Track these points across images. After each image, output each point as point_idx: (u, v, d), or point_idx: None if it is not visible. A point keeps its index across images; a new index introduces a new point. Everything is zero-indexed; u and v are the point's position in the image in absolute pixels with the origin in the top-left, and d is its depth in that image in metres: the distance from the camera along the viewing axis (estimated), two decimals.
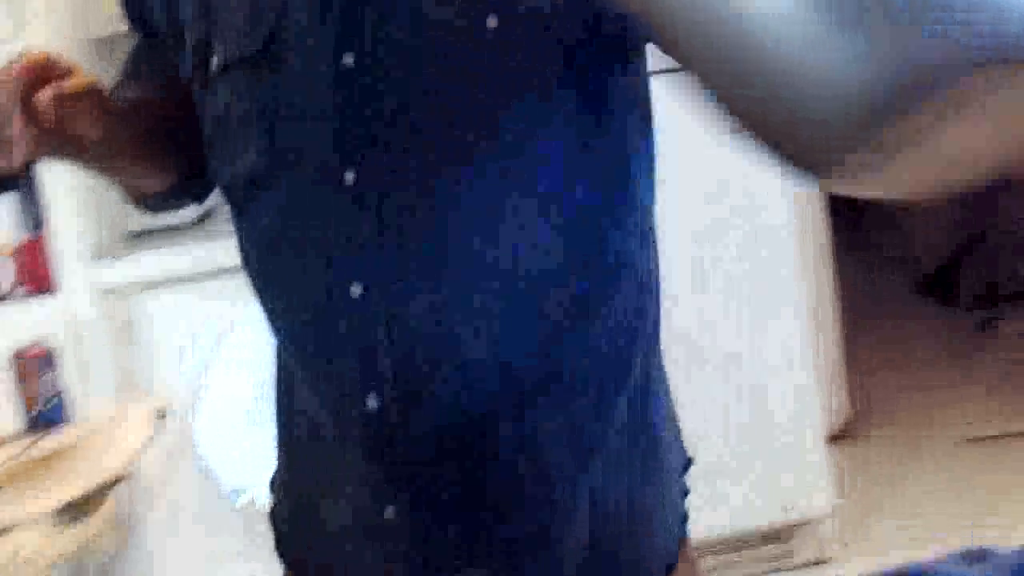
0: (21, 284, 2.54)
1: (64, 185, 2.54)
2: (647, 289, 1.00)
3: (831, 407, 2.64)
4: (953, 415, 2.86)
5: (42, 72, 0.92)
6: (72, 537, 1.36)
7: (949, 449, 2.73)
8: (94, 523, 1.39)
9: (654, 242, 1.02)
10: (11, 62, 0.92)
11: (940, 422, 2.84)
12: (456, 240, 0.93)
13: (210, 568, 1.85)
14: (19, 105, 0.91)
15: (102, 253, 2.45)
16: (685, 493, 1.06)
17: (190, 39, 1.00)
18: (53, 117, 0.91)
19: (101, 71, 1.09)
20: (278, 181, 0.98)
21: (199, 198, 1.14)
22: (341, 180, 0.93)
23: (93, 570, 1.35)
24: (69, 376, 1.74)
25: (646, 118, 0.99)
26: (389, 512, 0.97)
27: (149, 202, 1.13)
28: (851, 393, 2.80)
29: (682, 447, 1.06)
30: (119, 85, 1.11)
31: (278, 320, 1.03)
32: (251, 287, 1.05)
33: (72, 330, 1.84)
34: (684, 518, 1.06)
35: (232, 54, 0.97)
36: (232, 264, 2.45)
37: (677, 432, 1.06)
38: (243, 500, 2.30)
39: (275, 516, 1.11)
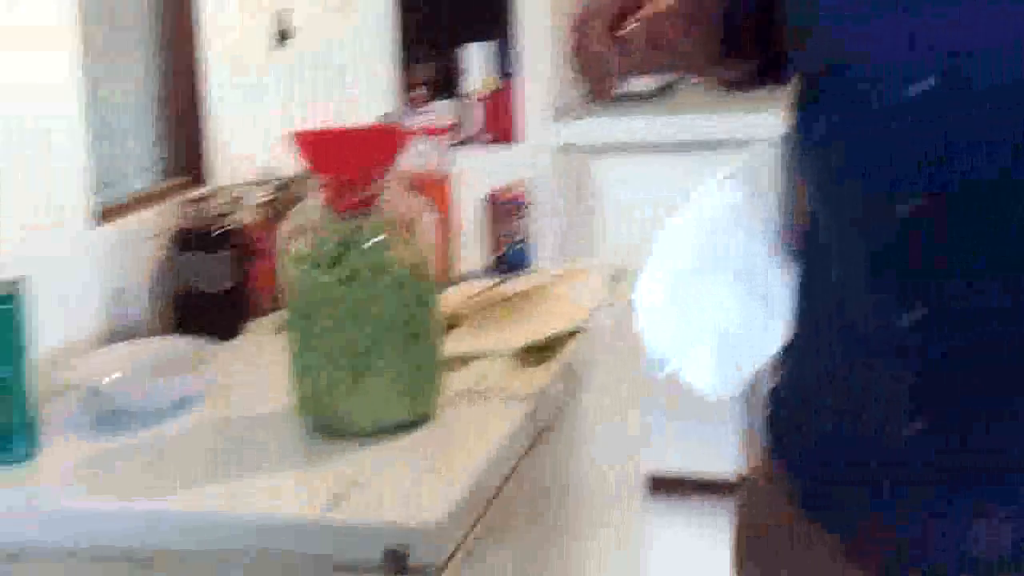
0: (487, 131, 2.66)
1: (537, 43, 2.61)
2: None
3: None
4: None
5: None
6: (530, 378, 1.40)
7: None
8: (550, 369, 1.43)
9: None
10: None
11: None
12: None
13: (644, 437, 1.88)
14: (609, 36, 0.99)
15: (564, 112, 2.51)
16: None
17: None
18: (642, 45, 0.98)
19: None
20: (839, 83, 0.93)
21: (783, 81, 1.11)
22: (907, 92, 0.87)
23: (543, 414, 1.40)
24: (532, 224, 1.79)
25: None
26: (914, 426, 0.93)
27: (733, 87, 1.15)
28: None
29: None
30: None
31: (827, 216, 1.00)
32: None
33: (534, 182, 1.89)
34: None
35: None
36: (689, 139, 2.44)
37: None
38: (664, 372, 2.32)
39: (776, 395, 1.10)
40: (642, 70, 1.04)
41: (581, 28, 1.01)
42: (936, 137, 0.87)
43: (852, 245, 0.97)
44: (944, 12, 0.87)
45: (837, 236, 0.99)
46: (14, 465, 1.32)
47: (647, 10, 0.98)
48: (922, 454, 0.93)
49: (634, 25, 0.98)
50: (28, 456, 1.34)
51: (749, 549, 1.13)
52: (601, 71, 1.01)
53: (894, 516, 0.96)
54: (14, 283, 1.36)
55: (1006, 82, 0.84)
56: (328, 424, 1.33)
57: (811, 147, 1.00)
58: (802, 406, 1.06)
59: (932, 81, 0.87)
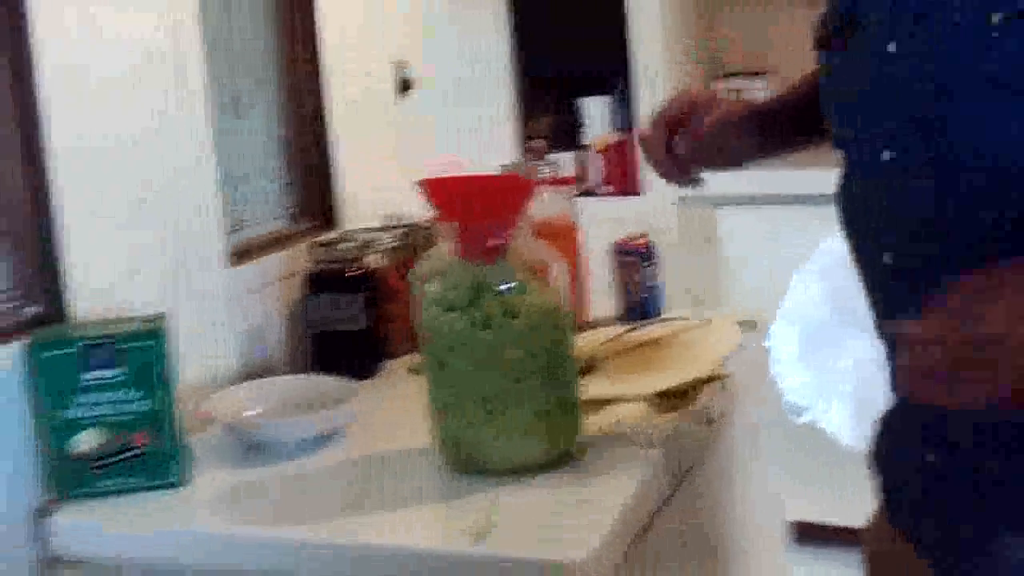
0: (608, 183, 2.67)
1: (655, 98, 2.63)
2: None
3: None
4: None
5: (684, 114, 1.27)
6: (666, 424, 1.40)
7: None
8: (686, 415, 1.42)
9: None
10: (665, 105, 1.29)
11: None
12: None
13: (788, 485, 1.86)
14: (665, 144, 1.29)
15: None
16: None
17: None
18: (689, 154, 1.28)
19: None
20: (845, 153, 1.10)
21: None
22: (880, 159, 1.01)
23: (682, 458, 1.39)
24: (659, 273, 1.79)
25: None
26: (929, 456, 1.06)
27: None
28: None
29: None
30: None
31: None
32: None
33: (658, 232, 1.89)
34: None
35: (821, 34, 1.11)
36: (810, 192, 2.43)
37: None
38: (802, 419, 2.31)
39: (875, 436, 1.20)
40: (708, 167, 1.32)
41: (643, 138, 1.29)
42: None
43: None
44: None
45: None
46: (169, 491, 1.35)
47: (698, 126, 1.24)
48: (939, 481, 1.05)
49: (680, 141, 1.26)
50: (182, 483, 1.37)
51: None
52: (664, 174, 1.33)
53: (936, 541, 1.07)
54: (159, 318, 1.40)
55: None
56: (467, 461, 1.33)
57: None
58: (886, 441, 1.17)
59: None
